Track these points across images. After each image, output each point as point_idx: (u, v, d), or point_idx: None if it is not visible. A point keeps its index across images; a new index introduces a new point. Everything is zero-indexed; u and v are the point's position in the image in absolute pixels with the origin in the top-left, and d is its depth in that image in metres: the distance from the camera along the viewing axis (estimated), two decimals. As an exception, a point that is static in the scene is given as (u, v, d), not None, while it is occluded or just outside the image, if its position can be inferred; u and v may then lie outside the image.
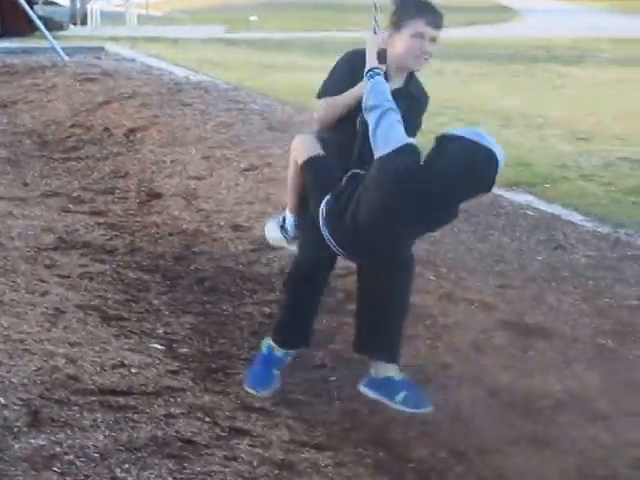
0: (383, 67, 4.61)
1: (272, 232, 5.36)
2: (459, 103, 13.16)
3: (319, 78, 5.04)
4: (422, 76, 4.90)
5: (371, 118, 4.45)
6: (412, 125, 4.65)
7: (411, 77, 4.83)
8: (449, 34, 19.66)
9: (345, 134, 4.71)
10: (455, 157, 4.33)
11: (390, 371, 4.90)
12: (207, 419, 4.54)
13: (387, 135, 4.40)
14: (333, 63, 4.89)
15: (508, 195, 8.34)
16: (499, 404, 4.96)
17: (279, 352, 5.02)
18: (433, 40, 4.65)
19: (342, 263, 6.63)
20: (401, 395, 4.80)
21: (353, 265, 6.55)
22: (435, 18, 4.65)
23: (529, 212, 7.80)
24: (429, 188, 4.36)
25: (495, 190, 8.29)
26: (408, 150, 4.39)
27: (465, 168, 4.34)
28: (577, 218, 7.73)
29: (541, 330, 5.67)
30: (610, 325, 5.77)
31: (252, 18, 28.56)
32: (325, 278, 5.05)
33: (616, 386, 5.09)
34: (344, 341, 5.72)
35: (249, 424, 4.60)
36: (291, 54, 18.96)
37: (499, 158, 4.34)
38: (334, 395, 5.13)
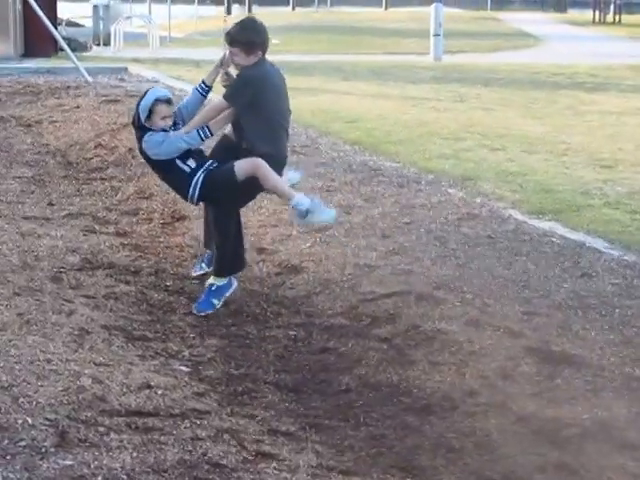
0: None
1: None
2: (482, 128, 13.17)
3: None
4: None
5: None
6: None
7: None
8: (471, 59, 19.89)
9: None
10: None
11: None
12: (234, 442, 4.52)
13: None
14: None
15: (532, 222, 8.32)
16: (526, 431, 4.94)
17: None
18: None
19: (368, 287, 6.67)
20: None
21: (380, 290, 6.58)
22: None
23: (554, 239, 7.77)
24: None
25: (519, 216, 8.38)
26: None
27: None
28: (602, 246, 7.69)
29: (568, 358, 5.64)
30: (638, 354, 5.73)
31: (274, 41, 28.65)
32: None
33: (644, 416, 5.05)
34: (370, 365, 5.72)
35: (276, 448, 4.59)
36: (313, 77, 19.00)
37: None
38: (361, 420, 5.12)
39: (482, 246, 7.49)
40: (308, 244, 7.63)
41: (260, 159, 6.47)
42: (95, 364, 5.18)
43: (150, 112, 6.61)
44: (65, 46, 18.00)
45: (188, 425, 4.62)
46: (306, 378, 5.66)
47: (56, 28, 19.84)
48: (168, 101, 6.69)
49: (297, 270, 7.21)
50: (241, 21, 6.82)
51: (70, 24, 29.04)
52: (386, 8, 50.87)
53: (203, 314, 6.57)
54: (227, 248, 6.67)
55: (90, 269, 7.19)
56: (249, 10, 50.27)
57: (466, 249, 7.40)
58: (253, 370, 5.71)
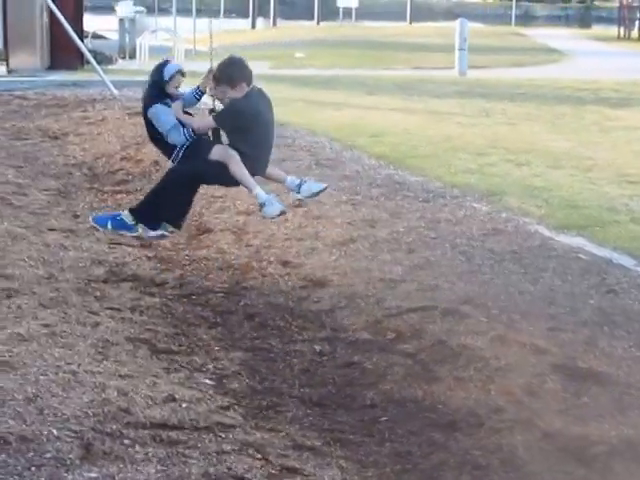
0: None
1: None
2: (507, 143, 13.13)
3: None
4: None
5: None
6: None
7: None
8: (495, 74, 19.80)
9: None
10: None
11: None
12: (259, 456, 4.51)
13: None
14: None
15: (559, 238, 8.28)
16: (553, 449, 4.89)
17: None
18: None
19: (393, 302, 6.64)
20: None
21: (405, 305, 6.56)
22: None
23: (580, 255, 7.72)
24: None
25: (545, 232, 8.34)
26: None
27: None
28: (629, 262, 7.63)
29: (594, 375, 5.59)
30: (666, 372, 5.67)
31: (298, 55, 28.72)
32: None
33: (673, 434, 5.00)
34: (395, 381, 5.69)
35: (301, 463, 4.57)
36: (337, 91, 19.01)
37: None
38: (385, 435, 5.09)
39: (508, 261, 7.46)
40: (333, 258, 7.62)
41: (236, 154, 7.41)
42: (120, 376, 5.18)
43: (170, 79, 7.80)
44: (91, 59, 18.08)
45: (213, 438, 4.62)
46: (331, 393, 5.63)
47: (82, 41, 19.93)
48: (184, 74, 7.93)
49: (322, 284, 7.20)
50: (222, 61, 7.63)
51: (96, 37, 29.13)
52: (410, 23, 50.97)
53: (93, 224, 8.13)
54: (154, 199, 7.72)
55: (115, 281, 7.19)
56: (274, 24, 50.47)
57: (492, 264, 7.36)
58: (278, 384, 5.70)
